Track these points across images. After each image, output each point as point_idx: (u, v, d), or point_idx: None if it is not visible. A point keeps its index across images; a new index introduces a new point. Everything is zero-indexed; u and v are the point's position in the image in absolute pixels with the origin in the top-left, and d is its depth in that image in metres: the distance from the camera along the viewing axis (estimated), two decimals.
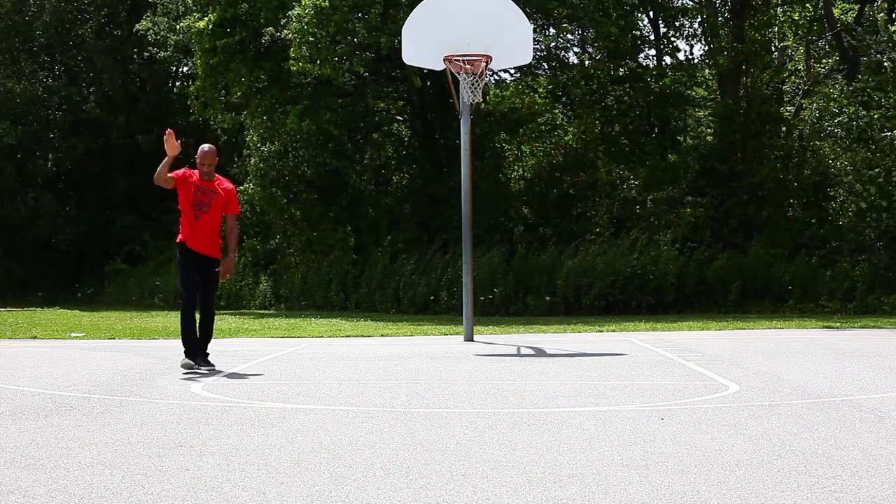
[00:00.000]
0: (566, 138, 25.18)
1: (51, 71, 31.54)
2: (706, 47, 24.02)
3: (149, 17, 25.56)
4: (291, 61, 19.65)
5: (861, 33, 19.79)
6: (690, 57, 25.47)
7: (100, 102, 30.77)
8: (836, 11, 22.55)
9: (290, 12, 19.63)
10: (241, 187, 24.12)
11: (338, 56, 19.66)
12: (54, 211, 29.46)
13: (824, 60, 24.00)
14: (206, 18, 21.75)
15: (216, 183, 8.56)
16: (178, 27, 23.32)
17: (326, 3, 18.99)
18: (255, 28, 21.38)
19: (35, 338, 13.74)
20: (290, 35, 19.50)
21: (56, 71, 31.34)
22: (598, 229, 20.64)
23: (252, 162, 23.28)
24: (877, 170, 19.35)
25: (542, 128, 26.10)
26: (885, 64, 19.00)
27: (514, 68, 23.85)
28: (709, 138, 23.68)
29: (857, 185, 19.56)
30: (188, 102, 25.58)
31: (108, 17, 31.55)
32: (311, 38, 19.04)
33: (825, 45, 23.59)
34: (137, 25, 25.87)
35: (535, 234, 20.97)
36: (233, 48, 21.66)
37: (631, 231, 20.10)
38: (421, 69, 21.35)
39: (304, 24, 18.98)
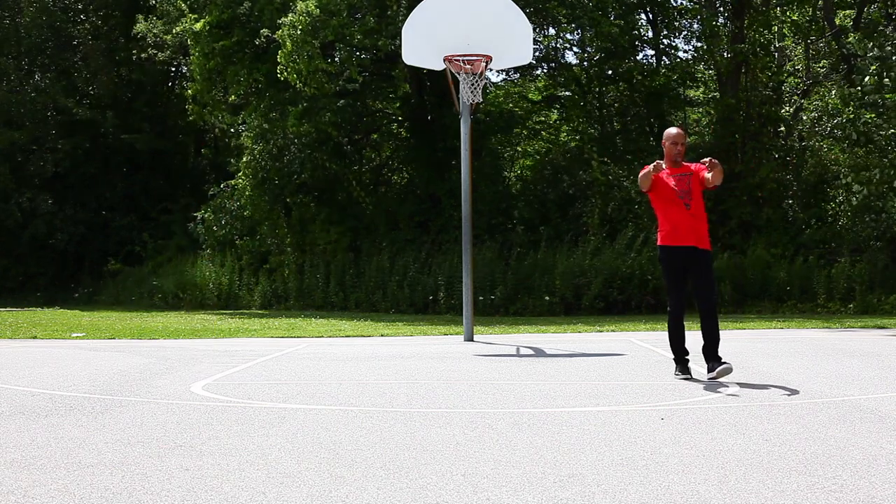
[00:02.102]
0: (563, 137, 25.19)
1: (46, 72, 31.52)
2: (705, 47, 24.03)
3: (142, 21, 25.50)
4: (279, 68, 19.53)
5: (863, 42, 19.79)
6: (687, 55, 25.46)
7: (96, 103, 30.77)
8: (838, 21, 22.56)
9: (283, 18, 19.54)
10: (233, 182, 24.16)
11: (325, 68, 19.56)
12: (51, 211, 29.46)
13: (823, 61, 24.01)
14: (203, 20, 21.70)
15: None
16: (175, 31, 23.26)
17: (317, 10, 18.86)
18: (254, 29, 21.34)
19: (35, 338, 13.74)
20: (280, 38, 19.40)
21: (52, 72, 31.32)
22: (586, 229, 20.63)
23: (244, 160, 23.31)
24: (875, 171, 19.35)
25: (538, 127, 26.11)
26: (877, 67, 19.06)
27: (514, 68, 23.86)
28: (707, 138, 23.69)
29: (854, 185, 19.58)
30: (186, 106, 25.59)
31: (103, 18, 31.54)
32: (303, 46, 18.88)
33: (825, 46, 23.60)
34: (136, 27, 25.83)
35: (536, 234, 20.96)
36: (230, 50, 21.61)
37: (625, 230, 20.09)
38: (413, 74, 21.39)
39: (298, 31, 18.87)
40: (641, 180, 7.66)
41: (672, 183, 7.57)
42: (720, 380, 7.41)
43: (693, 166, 7.70)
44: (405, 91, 23.07)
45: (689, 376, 7.60)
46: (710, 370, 7.37)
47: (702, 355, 7.57)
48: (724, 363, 7.30)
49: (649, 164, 7.74)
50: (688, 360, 7.71)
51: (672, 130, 7.76)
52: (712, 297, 7.59)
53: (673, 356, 7.79)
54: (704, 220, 7.64)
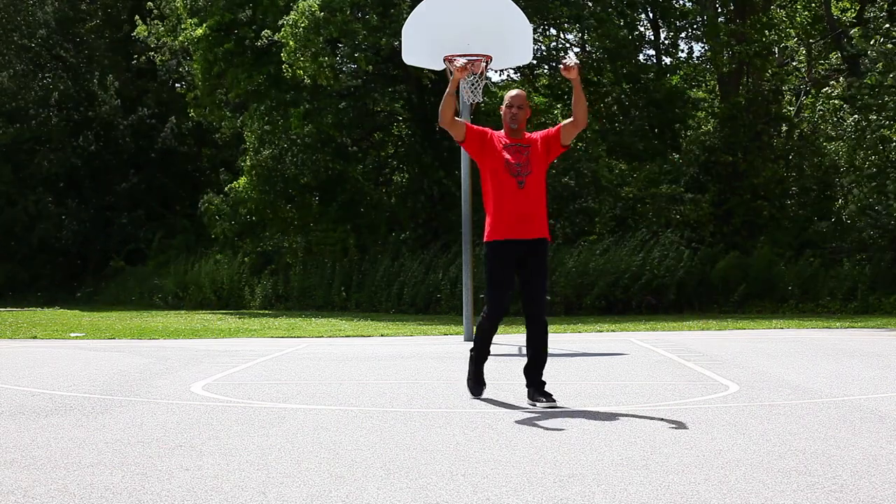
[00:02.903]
0: None
1: (52, 70, 31.57)
2: (706, 48, 24.03)
3: (142, 24, 25.45)
4: (284, 66, 19.59)
5: (866, 37, 19.80)
6: (690, 56, 25.47)
7: (102, 101, 30.79)
8: (835, 11, 22.55)
9: (285, 17, 19.57)
10: (235, 184, 24.14)
11: (332, 63, 19.58)
12: (56, 212, 29.50)
13: (823, 61, 24.02)
14: (204, 26, 21.68)
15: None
16: (178, 40, 23.24)
17: (317, 7, 18.87)
18: (256, 31, 21.37)
19: (35, 338, 13.75)
20: (283, 38, 19.44)
21: (58, 70, 31.36)
22: (597, 228, 20.61)
23: (247, 162, 23.34)
24: (874, 170, 19.37)
25: (541, 127, 26.10)
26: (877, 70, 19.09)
27: (514, 68, 23.85)
28: (710, 138, 23.72)
29: (854, 187, 19.62)
30: (188, 110, 25.63)
31: (109, 16, 31.56)
32: (306, 43, 18.92)
33: (826, 45, 23.61)
34: (136, 31, 25.79)
35: None
36: (231, 53, 21.62)
37: (633, 230, 20.07)
38: (413, 74, 21.39)
39: (300, 30, 18.90)
40: (444, 106, 6.34)
41: (507, 155, 6.26)
42: (720, 380, 7.39)
43: (537, 135, 6.41)
44: (409, 88, 23.08)
45: (481, 390, 6.59)
46: (529, 396, 6.24)
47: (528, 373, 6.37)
48: (551, 400, 6.09)
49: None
50: (482, 371, 6.63)
51: (512, 91, 6.46)
52: (544, 298, 6.44)
53: (472, 354, 6.61)
54: (542, 203, 6.30)
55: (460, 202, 13.59)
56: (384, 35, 19.53)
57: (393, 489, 3.83)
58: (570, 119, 6.33)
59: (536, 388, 6.22)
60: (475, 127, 6.43)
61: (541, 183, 6.31)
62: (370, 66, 20.69)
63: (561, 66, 6.25)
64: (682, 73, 24.31)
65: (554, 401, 6.09)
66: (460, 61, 6.46)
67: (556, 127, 6.40)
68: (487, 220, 6.35)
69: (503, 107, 6.40)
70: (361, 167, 24.48)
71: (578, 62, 6.24)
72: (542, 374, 6.28)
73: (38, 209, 29.33)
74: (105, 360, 9.87)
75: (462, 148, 6.46)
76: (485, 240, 6.40)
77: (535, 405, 6.11)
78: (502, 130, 6.42)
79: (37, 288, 29.09)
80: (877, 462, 4.28)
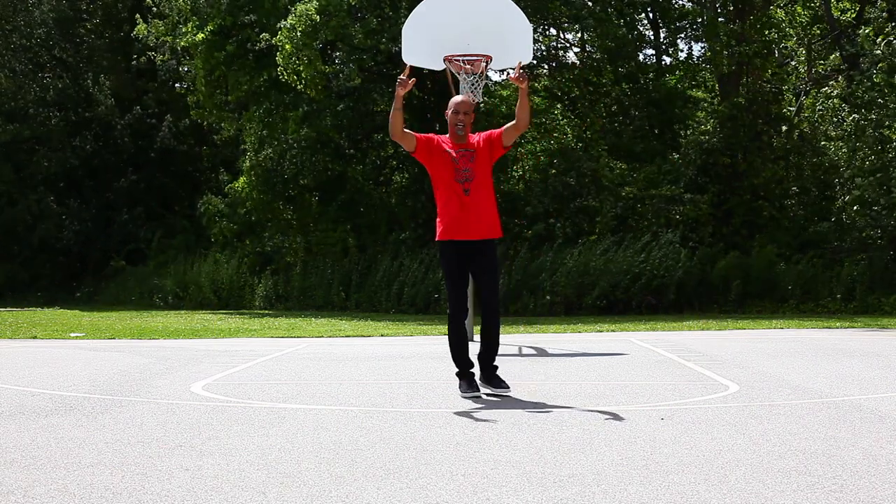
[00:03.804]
0: (569, 135, 25.19)
1: (52, 69, 31.59)
2: (706, 48, 24.04)
3: (140, 22, 25.44)
4: (279, 68, 19.60)
5: (858, 43, 19.83)
6: (689, 56, 25.51)
7: (102, 101, 30.82)
8: (835, 11, 22.56)
9: (282, 21, 19.58)
10: (235, 184, 24.15)
11: (324, 71, 19.59)
12: (57, 212, 29.52)
13: (823, 62, 24.03)
14: (205, 29, 21.68)
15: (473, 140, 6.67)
16: (179, 44, 23.24)
17: (314, 10, 18.86)
18: (257, 33, 21.38)
19: (35, 338, 13.75)
20: (279, 42, 19.45)
21: (57, 69, 31.40)
22: (598, 227, 20.61)
23: (247, 162, 23.36)
24: (877, 170, 19.37)
25: (544, 126, 26.07)
26: (875, 72, 19.11)
27: (514, 68, 23.86)
28: (711, 138, 23.71)
29: (856, 180, 19.61)
30: (190, 112, 25.67)
31: (106, 18, 31.58)
32: (303, 49, 18.90)
33: (825, 45, 23.61)
34: (136, 29, 25.79)
35: (538, 232, 20.93)
36: (232, 55, 21.63)
37: (634, 231, 20.06)
38: (413, 74, 21.40)
39: (296, 33, 18.89)
40: (392, 121, 6.50)
41: (454, 162, 6.53)
42: (720, 380, 7.38)
43: (481, 137, 6.64)
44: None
45: (477, 393, 6.58)
46: (484, 379, 6.63)
47: (500, 361, 6.79)
48: (504, 386, 6.60)
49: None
50: (473, 374, 6.72)
51: (457, 98, 6.72)
52: (496, 293, 6.64)
53: (456, 370, 6.78)
54: (488, 206, 6.56)
55: None
56: (382, 37, 19.51)
57: (393, 489, 3.83)
58: (513, 122, 6.59)
59: (488, 375, 6.68)
60: (422, 136, 6.67)
61: (487, 185, 6.59)
62: (359, 80, 20.66)
63: (510, 76, 6.50)
64: (680, 72, 24.30)
65: (507, 387, 6.63)
66: (403, 77, 6.61)
67: (499, 130, 6.67)
68: (437, 221, 6.66)
69: (449, 112, 6.62)
70: (361, 167, 24.50)
71: (525, 72, 6.55)
72: (493, 360, 6.69)
73: (40, 209, 29.35)
74: (105, 360, 9.86)
75: (413, 157, 6.70)
76: (436, 238, 6.71)
77: (488, 389, 6.61)
78: (447, 135, 6.69)
79: (37, 288, 29.09)
80: (877, 462, 4.28)
